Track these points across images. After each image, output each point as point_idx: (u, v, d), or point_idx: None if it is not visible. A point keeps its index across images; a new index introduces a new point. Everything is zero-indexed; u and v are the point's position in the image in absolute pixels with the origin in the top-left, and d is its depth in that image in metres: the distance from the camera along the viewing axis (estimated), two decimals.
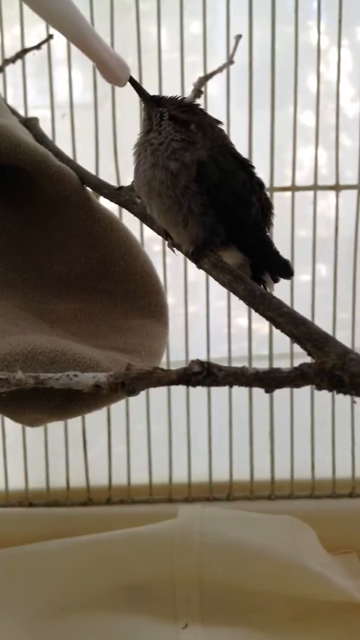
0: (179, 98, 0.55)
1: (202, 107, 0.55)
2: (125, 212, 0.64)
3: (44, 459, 0.92)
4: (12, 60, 0.80)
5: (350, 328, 0.89)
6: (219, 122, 0.55)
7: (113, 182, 0.67)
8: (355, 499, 0.93)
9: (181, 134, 0.52)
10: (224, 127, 0.56)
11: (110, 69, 0.53)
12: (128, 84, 0.55)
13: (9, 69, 0.81)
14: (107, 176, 0.70)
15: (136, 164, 0.54)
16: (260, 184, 0.55)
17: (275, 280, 0.56)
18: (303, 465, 0.92)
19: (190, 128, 0.53)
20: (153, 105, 0.54)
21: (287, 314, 0.43)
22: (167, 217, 0.53)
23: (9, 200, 0.69)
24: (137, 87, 0.55)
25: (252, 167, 0.55)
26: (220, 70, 0.76)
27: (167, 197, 0.52)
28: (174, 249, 0.56)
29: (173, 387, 0.80)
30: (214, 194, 0.52)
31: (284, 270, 0.55)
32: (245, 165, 0.55)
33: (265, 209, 0.55)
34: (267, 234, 0.56)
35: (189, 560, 0.82)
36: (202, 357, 0.66)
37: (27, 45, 0.81)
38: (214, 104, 0.84)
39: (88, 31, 0.52)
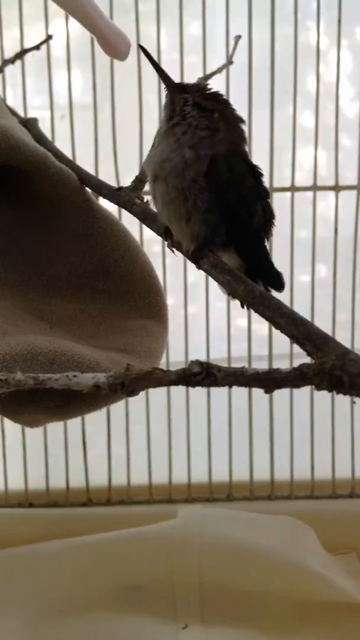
0: (203, 85, 0.55)
1: (225, 96, 0.55)
2: (125, 212, 0.64)
3: (44, 460, 0.92)
4: (12, 60, 0.80)
5: (350, 329, 0.89)
6: (242, 121, 0.55)
7: (112, 183, 0.67)
8: (355, 499, 0.93)
9: (206, 119, 0.52)
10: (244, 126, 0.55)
11: (110, 43, 0.52)
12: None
13: (9, 69, 0.82)
14: (107, 177, 0.70)
15: (155, 144, 0.54)
16: (266, 192, 0.55)
17: (267, 291, 0.56)
18: (303, 466, 0.92)
19: (214, 116, 0.53)
20: (177, 91, 0.54)
21: (287, 315, 0.43)
22: (171, 209, 0.52)
23: (8, 200, 0.69)
24: (162, 73, 0.54)
25: (261, 174, 0.55)
26: (219, 70, 0.76)
27: (173, 186, 0.51)
28: (174, 249, 0.56)
29: (172, 388, 0.80)
30: (220, 193, 0.51)
31: (276, 282, 0.55)
32: (254, 172, 0.55)
33: (267, 219, 0.55)
34: (266, 244, 0.56)
35: (189, 561, 0.82)
36: (202, 357, 0.66)
37: (27, 45, 0.81)
38: None
39: (87, 3, 0.52)
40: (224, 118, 0.53)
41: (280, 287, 0.56)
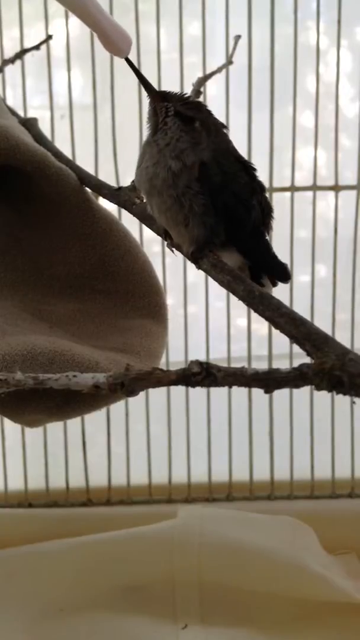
0: (185, 95, 0.55)
1: (208, 107, 0.55)
2: (124, 212, 0.64)
3: (44, 460, 0.92)
4: (12, 60, 0.80)
5: (350, 329, 0.89)
6: (224, 127, 0.55)
7: (112, 183, 0.67)
8: (355, 499, 0.93)
9: (187, 133, 0.52)
10: (227, 132, 0.55)
11: (111, 40, 0.53)
12: (135, 77, 0.55)
13: (9, 69, 0.82)
14: (107, 177, 0.70)
15: (139, 161, 0.54)
16: (261, 187, 0.55)
17: (274, 284, 0.56)
18: (302, 466, 0.92)
19: (195, 126, 0.53)
20: (159, 100, 0.54)
21: (287, 314, 0.43)
22: (168, 216, 0.53)
23: (8, 200, 0.69)
24: (144, 81, 0.55)
25: (254, 169, 0.55)
26: (219, 70, 0.76)
27: (168, 196, 0.52)
28: (174, 249, 0.56)
29: (172, 388, 0.80)
30: (215, 195, 0.52)
31: (282, 273, 0.56)
32: (247, 168, 0.55)
33: (265, 213, 0.55)
34: (266, 237, 0.56)
35: (189, 561, 0.82)
36: (202, 357, 0.66)
37: (27, 45, 0.81)
38: (213, 105, 0.83)
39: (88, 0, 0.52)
40: (206, 127, 0.53)
41: (286, 278, 0.56)
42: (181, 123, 0.53)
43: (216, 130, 0.54)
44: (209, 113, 0.54)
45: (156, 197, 0.53)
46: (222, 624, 0.79)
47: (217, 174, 0.52)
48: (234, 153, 0.55)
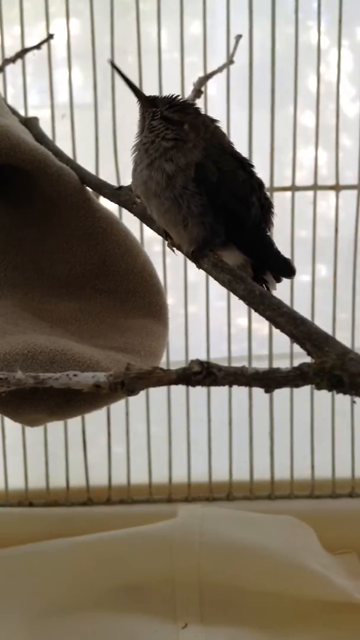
0: (173, 97, 0.54)
1: (196, 105, 0.55)
2: (125, 212, 0.64)
3: (44, 459, 0.92)
4: (12, 60, 0.80)
5: (350, 328, 0.89)
6: (215, 121, 0.55)
7: (113, 182, 0.67)
8: (355, 499, 0.93)
9: (172, 132, 0.52)
10: (221, 126, 0.55)
11: None
12: (131, 78, 0.55)
13: (9, 68, 0.81)
14: (107, 176, 0.70)
15: (134, 164, 0.54)
16: (260, 183, 0.55)
17: (278, 280, 0.56)
18: (303, 465, 0.92)
19: (184, 128, 0.53)
20: (147, 105, 0.54)
21: (287, 314, 0.43)
22: (167, 218, 0.53)
23: (8, 200, 0.69)
24: (133, 87, 0.55)
25: (252, 166, 0.55)
26: (220, 70, 0.76)
27: (166, 198, 0.52)
28: (174, 249, 0.56)
29: (173, 387, 0.80)
30: (213, 194, 0.52)
31: (286, 269, 0.55)
32: (244, 165, 0.55)
33: (265, 209, 0.55)
34: (267, 233, 0.56)
35: (189, 560, 0.82)
36: (202, 357, 0.65)
37: (27, 45, 0.81)
38: (214, 104, 0.84)
39: None
40: (195, 127, 0.53)
41: (290, 273, 0.55)
42: (167, 124, 0.52)
43: (206, 128, 0.53)
44: (197, 113, 0.54)
45: (153, 200, 0.53)
46: (222, 623, 0.79)
47: (213, 173, 0.52)
48: (230, 150, 0.55)
